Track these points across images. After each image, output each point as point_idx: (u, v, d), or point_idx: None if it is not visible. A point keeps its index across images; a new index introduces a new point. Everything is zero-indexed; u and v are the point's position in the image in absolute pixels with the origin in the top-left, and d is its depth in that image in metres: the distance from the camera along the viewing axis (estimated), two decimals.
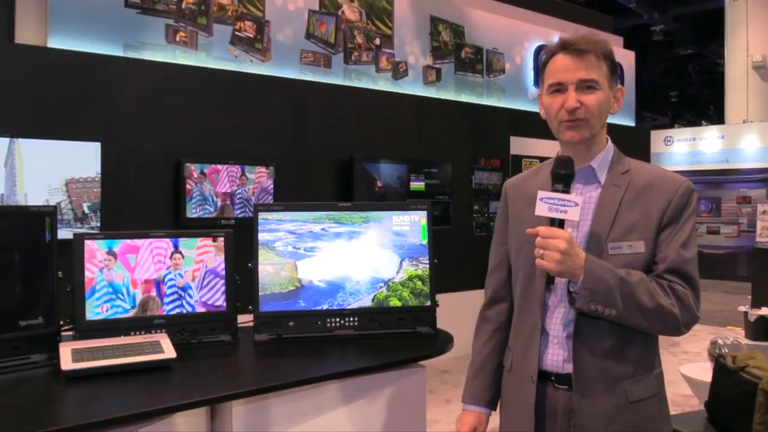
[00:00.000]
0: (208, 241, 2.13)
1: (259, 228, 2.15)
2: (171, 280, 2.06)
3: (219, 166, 4.71)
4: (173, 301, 2.06)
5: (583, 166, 1.58)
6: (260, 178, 4.91)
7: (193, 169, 4.59)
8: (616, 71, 1.57)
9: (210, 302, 2.11)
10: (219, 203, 4.71)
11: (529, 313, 1.61)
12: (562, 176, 1.50)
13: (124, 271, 2.01)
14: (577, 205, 1.45)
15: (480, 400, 1.75)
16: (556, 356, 1.56)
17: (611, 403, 1.50)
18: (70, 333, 1.96)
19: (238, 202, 4.81)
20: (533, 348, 1.58)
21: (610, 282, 1.43)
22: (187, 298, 2.08)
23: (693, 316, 1.48)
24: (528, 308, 1.62)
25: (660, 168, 1.62)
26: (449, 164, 6.16)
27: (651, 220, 1.51)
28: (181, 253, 2.08)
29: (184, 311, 2.07)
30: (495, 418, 1.75)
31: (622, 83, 8.48)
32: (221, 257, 2.14)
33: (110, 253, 2.00)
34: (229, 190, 4.77)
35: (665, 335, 1.55)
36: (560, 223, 1.47)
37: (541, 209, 1.47)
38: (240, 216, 4.80)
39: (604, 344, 1.51)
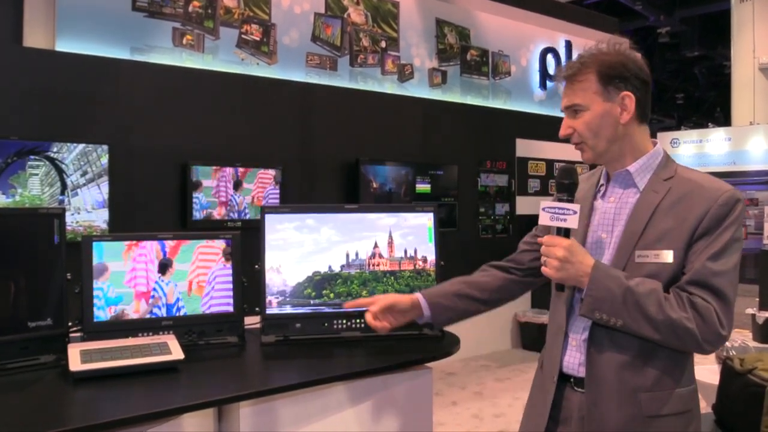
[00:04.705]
0: (215, 243, 2.14)
1: (266, 229, 2.16)
2: (168, 284, 2.07)
3: (224, 169, 4.72)
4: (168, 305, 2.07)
5: (620, 171, 1.57)
6: (266, 180, 4.92)
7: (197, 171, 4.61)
8: (612, 80, 1.50)
9: (215, 305, 2.12)
10: (218, 205, 4.72)
11: (557, 313, 1.63)
12: (566, 186, 1.53)
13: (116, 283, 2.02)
14: (576, 213, 1.47)
15: (427, 292, 1.82)
16: (573, 359, 1.57)
17: (624, 414, 1.47)
18: (79, 334, 1.97)
19: (240, 203, 4.82)
20: (557, 349, 1.60)
21: (614, 291, 1.42)
22: (186, 304, 2.08)
23: (715, 333, 1.39)
24: (556, 309, 1.64)
25: (707, 175, 1.53)
26: (455, 166, 6.16)
27: (684, 230, 1.44)
28: (173, 264, 2.09)
29: (192, 313, 2.08)
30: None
31: None
32: (228, 259, 2.14)
33: (102, 266, 2.00)
34: (231, 192, 4.78)
35: (686, 350, 1.48)
36: (566, 232, 1.49)
37: (544, 219, 1.50)
38: (246, 218, 4.81)
39: (622, 352, 1.48)
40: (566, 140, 1.61)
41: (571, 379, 1.57)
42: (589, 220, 1.61)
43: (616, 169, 1.58)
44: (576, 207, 1.48)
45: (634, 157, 1.56)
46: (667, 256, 1.45)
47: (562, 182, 1.54)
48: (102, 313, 1.98)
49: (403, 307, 1.80)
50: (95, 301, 1.97)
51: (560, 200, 1.52)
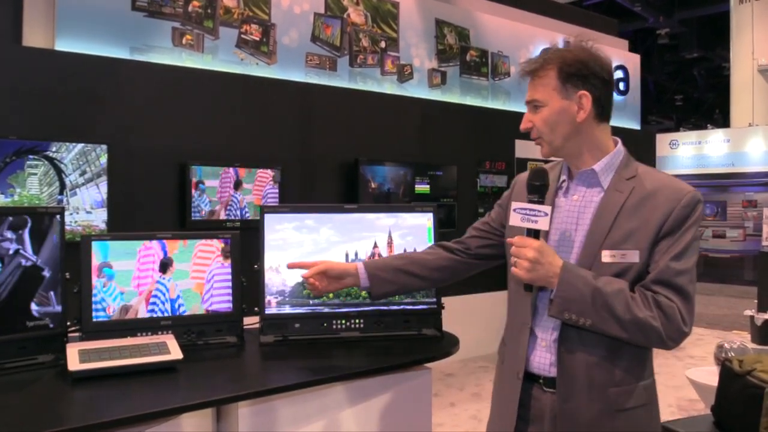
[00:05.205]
0: (213, 242, 2.14)
1: (266, 229, 2.16)
2: (169, 281, 2.07)
3: (228, 169, 4.72)
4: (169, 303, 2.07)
5: (585, 169, 1.59)
6: (263, 179, 4.92)
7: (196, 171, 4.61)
8: (570, 78, 1.53)
9: (216, 303, 2.11)
10: (219, 205, 4.72)
11: (520, 310, 1.64)
12: (537, 187, 1.55)
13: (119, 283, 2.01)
14: (547, 215, 1.49)
15: (369, 263, 1.86)
16: (544, 359, 1.58)
17: (596, 410, 1.50)
18: (77, 334, 1.97)
19: (238, 204, 4.82)
20: (521, 346, 1.61)
21: (583, 291, 1.45)
22: (186, 302, 2.08)
23: (678, 330, 1.44)
24: (519, 305, 1.65)
25: (668, 176, 1.58)
26: (454, 167, 6.16)
27: (649, 230, 1.48)
28: (173, 263, 2.08)
29: (190, 313, 2.08)
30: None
31: (627, 87, 8.50)
32: (227, 259, 2.14)
33: (105, 264, 1.99)
34: (232, 192, 4.77)
35: (651, 347, 1.54)
36: (536, 233, 1.51)
37: (515, 220, 1.52)
38: (247, 218, 4.81)
39: (591, 351, 1.51)
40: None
41: (541, 380, 1.58)
42: (552, 217, 1.61)
43: (576, 165, 1.60)
44: (547, 209, 1.50)
45: (594, 155, 1.58)
46: (634, 256, 1.48)
47: (533, 184, 1.56)
48: (102, 313, 1.97)
49: (337, 273, 1.84)
50: (98, 300, 1.97)
51: (531, 202, 1.54)
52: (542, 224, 1.50)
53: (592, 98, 1.53)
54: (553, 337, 1.55)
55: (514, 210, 1.52)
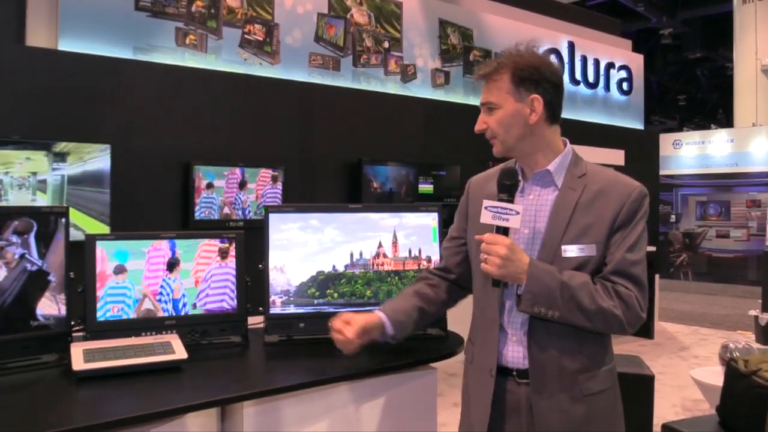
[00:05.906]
0: (214, 242, 2.13)
1: (270, 229, 2.15)
2: (174, 281, 2.06)
3: (235, 170, 4.72)
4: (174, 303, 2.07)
5: (540, 170, 1.65)
6: (264, 179, 4.92)
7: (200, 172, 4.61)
8: (524, 82, 1.58)
9: (217, 305, 2.11)
10: (225, 206, 4.72)
11: (488, 308, 1.68)
12: (507, 186, 1.60)
13: (132, 284, 2.01)
14: (518, 213, 1.54)
15: (386, 307, 1.81)
16: (516, 353, 1.63)
17: (566, 398, 1.57)
18: (81, 333, 1.96)
19: (243, 204, 4.82)
20: (492, 342, 1.65)
21: (551, 285, 1.51)
22: (189, 300, 2.08)
23: (637, 316, 1.54)
24: (486, 304, 1.68)
25: (616, 173, 1.67)
26: (457, 167, 6.14)
27: (603, 224, 1.57)
28: (179, 263, 2.08)
29: (195, 313, 2.07)
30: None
31: (630, 87, 8.48)
32: (231, 259, 2.14)
33: (120, 267, 1.99)
34: (236, 192, 4.77)
35: (611, 334, 1.63)
36: (505, 230, 1.55)
37: (486, 217, 1.56)
38: (249, 218, 4.81)
39: (560, 341, 1.58)
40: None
41: (514, 372, 1.62)
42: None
43: (529, 165, 1.67)
44: (519, 208, 1.54)
45: (545, 155, 1.65)
46: (591, 250, 1.57)
47: (504, 183, 1.61)
48: (107, 313, 1.97)
49: (371, 327, 1.77)
50: (107, 299, 1.96)
51: (501, 200, 1.58)
52: (514, 222, 1.54)
53: (544, 101, 1.60)
54: (523, 330, 1.61)
55: (486, 208, 1.56)
